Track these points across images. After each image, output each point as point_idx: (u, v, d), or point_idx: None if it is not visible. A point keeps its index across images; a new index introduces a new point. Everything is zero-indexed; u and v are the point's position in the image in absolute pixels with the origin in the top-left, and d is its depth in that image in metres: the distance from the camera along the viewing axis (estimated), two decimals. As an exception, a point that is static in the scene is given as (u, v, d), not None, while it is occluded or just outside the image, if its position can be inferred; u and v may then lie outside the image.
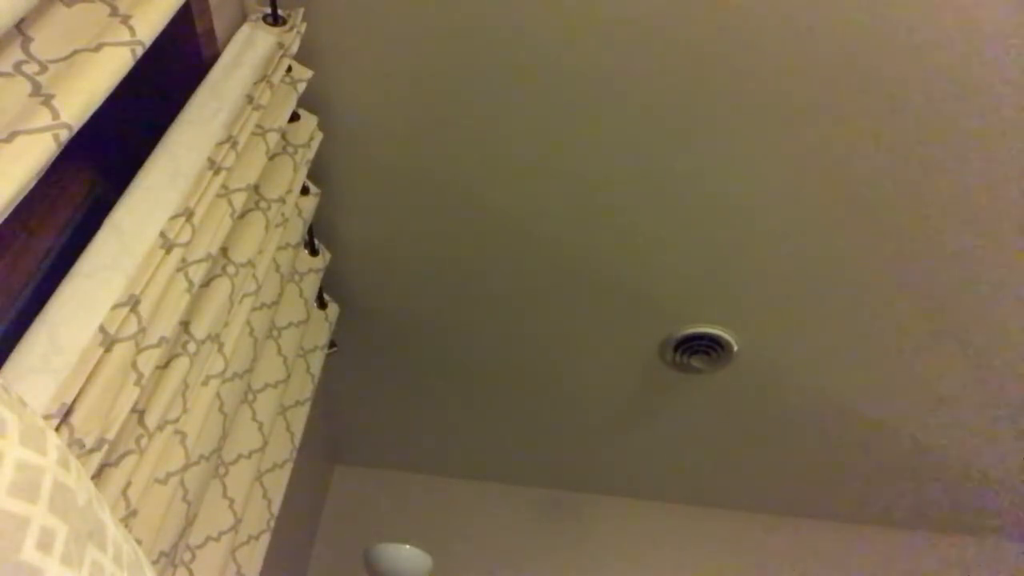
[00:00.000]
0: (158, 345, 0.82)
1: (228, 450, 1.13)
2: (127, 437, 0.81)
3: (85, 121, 0.69)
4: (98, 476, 0.77)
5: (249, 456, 1.15)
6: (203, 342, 0.94)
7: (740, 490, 2.16)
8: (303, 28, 1.18)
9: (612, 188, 1.44)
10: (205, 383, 0.98)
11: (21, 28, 0.69)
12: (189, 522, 0.95)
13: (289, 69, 1.19)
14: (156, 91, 1.08)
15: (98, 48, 0.73)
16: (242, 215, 1.08)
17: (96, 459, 0.73)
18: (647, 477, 2.17)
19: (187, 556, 1.01)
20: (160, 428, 0.87)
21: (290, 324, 1.33)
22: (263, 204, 1.11)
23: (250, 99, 1.03)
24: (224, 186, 0.98)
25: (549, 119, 1.34)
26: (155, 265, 0.82)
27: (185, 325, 0.93)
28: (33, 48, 0.70)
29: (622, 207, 1.47)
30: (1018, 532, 2.16)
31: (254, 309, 1.16)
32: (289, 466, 1.29)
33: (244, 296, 1.08)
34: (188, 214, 0.88)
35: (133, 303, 0.78)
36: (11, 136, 0.63)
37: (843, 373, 1.75)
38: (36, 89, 0.68)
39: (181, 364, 0.89)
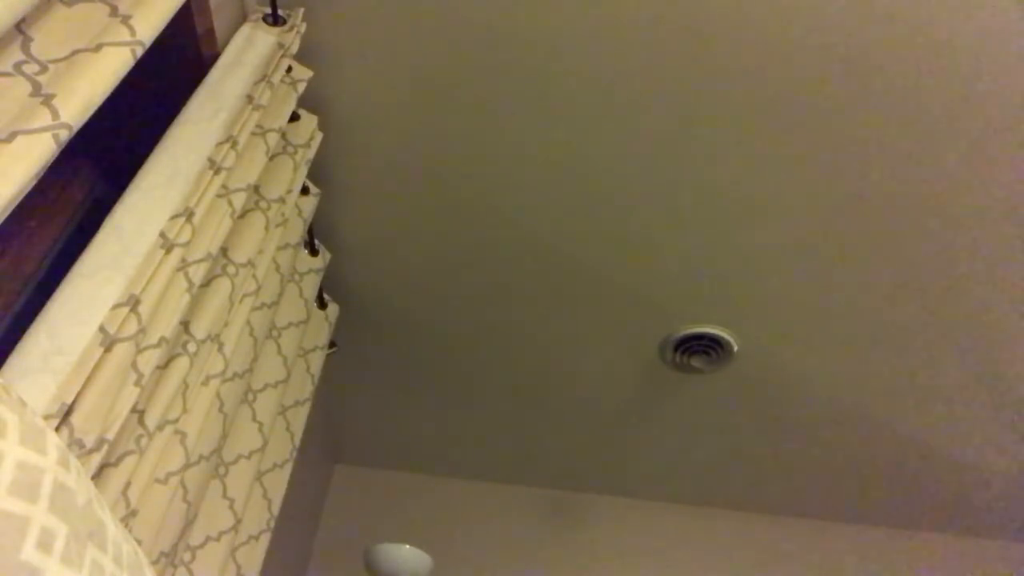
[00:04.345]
0: (158, 345, 0.82)
1: (228, 450, 1.13)
2: (127, 437, 0.81)
3: (85, 121, 0.69)
4: (98, 476, 0.77)
5: (249, 456, 1.14)
6: (203, 342, 0.94)
7: (740, 490, 2.16)
8: (303, 28, 1.18)
9: (613, 189, 1.44)
10: (205, 383, 0.98)
11: (21, 28, 0.69)
12: (189, 522, 0.95)
13: (289, 69, 1.19)
14: (156, 91, 1.08)
15: (98, 48, 0.73)
16: (242, 215, 1.08)
17: (96, 459, 0.73)
18: (647, 477, 2.17)
19: (187, 556, 1.01)
20: (160, 428, 0.87)
21: (290, 324, 1.33)
22: (263, 204, 1.11)
23: (250, 99, 1.03)
24: (224, 186, 0.98)
25: (549, 119, 1.34)
26: (155, 265, 0.82)
27: (185, 325, 0.93)
28: (33, 48, 0.70)
29: (623, 208, 1.47)
30: (1018, 532, 2.15)
31: (254, 309, 1.16)
32: (289, 466, 1.29)
33: (244, 296, 1.08)
34: (188, 214, 0.88)
35: (133, 303, 0.78)
36: (11, 136, 0.63)
37: (843, 373, 1.75)
38: (36, 89, 0.68)
39: (181, 364, 0.89)
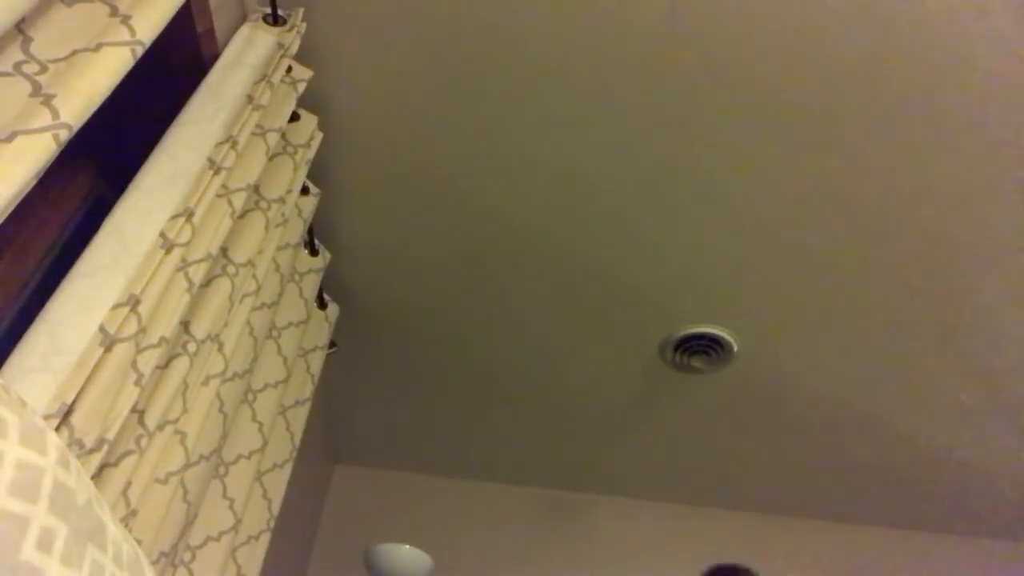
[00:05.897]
0: (158, 345, 0.82)
1: (228, 450, 1.13)
2: (127, 437, 0.81)
3: (85, 121, 0.69)
4: (98, 476, 0.77)
5: (249, 456, 1.14)
6: (203, 342, 0.94)
7: (740, 490, 2.16)
8: (303, 28, 1.18)
9: (613, 188, 1.44)
10: (205, 383, 0.98)
11: (21, 28, 0.69)
12: (189, 522, 0.95)
13: (289, 69, 1.19)
14: (156, 91, 1.08)
15: (98, 48, 0.73)
16: (242, 215, 1.08)
17: (96, 459, 0.73)
18: (647, 477, 2.17)
19: (187, 556, 1.01)
20: (160, 428, 0.87)
21: (290, 324, 1.33)
22: (263, 204, 1.11)
23: (250, 99, 1.03)
24: (224, 186, 0.98)
25: (549, 119, 1.34)
26: (155, 265, 0.82)
27: (185, 325, 0.93)
28: (33, 48, 0.70)
29: (623, 207, 1.47)
30: (1018, 532, 2.15)
31: (254, 309, 1.16)
32: (289, 466, 1.29)
33: (244, 296, 1.08)
34: (188, 214, 0.88)
35: (133, 303, 0.78)
36: (11, 136, 0.63)
37: (843, 373, 1.75)
38: (36, 89, 0.68)
39: (181, 364, 0.89)
